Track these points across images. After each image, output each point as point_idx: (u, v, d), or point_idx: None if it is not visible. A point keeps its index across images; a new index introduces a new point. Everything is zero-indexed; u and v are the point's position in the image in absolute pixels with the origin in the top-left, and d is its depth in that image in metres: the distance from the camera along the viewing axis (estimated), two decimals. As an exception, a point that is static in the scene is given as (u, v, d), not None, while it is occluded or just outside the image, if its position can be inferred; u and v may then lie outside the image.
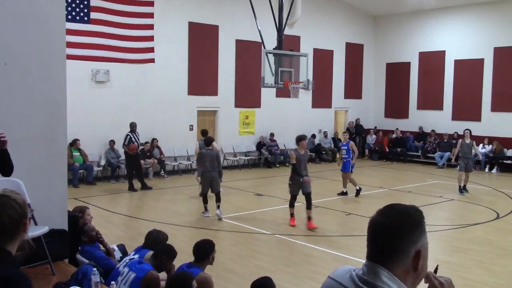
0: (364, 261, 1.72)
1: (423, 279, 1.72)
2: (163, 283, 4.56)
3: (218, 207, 10.36)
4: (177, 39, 16.54)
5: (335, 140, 21.08)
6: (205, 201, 10.53)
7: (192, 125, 17.20)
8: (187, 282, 4.04)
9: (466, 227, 10.25)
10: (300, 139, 9.79)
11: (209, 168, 10.32)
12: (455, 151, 14.05)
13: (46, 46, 5.51)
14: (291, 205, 9.90)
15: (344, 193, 13.13)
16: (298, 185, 9.69)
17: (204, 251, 4.86)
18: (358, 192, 12.89)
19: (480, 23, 19.46)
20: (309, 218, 9.66)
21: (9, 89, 5.21)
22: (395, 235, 1.65)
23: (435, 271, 1.75)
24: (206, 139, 10.91)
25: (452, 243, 9.02)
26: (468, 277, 7.07)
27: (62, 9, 5.83)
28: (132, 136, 13.85)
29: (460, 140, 13.94)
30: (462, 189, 13.59)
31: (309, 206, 9.66)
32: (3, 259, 1.99)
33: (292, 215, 9.95)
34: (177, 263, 5.07)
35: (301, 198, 9.79)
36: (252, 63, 17.67)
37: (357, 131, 21.87)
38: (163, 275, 4.78)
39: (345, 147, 13.06)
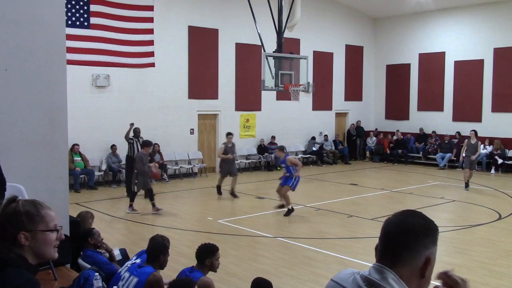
0: (372, 264, 1.71)
1: (436, 277, 1.71)
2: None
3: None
4: (177, 43, 16.56)
5: (336, 142, 21.12)
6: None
7: (192, 129, 17.20)
8: None
9: (468, 228, 10.23)
10: None
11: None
12: (462, 150, 14.82)
13: (46, 52, 5.51)
14: None
15: None
16: None
17: (203, 253, 4.85)
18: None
19: (480, 24, 19.47)
20: None
21: (10, 94, 5.22)
22: (411, 234, 1.64)
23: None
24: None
25: (454, 244, 9.00)
26: (470, 278, 7.00)
27: (62, 14, 5.84)
28: (136, 143, 13.28)
29: (466, 140, 14.89)
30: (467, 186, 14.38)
31: None
32: (17, 263, 1.97)
33: None
34: (180, 267, 5.06)
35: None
36: (252, 66, 17.68)
37: (357, 133, 21.90)
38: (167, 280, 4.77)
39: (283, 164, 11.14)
